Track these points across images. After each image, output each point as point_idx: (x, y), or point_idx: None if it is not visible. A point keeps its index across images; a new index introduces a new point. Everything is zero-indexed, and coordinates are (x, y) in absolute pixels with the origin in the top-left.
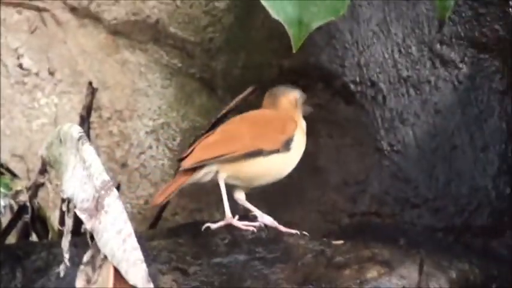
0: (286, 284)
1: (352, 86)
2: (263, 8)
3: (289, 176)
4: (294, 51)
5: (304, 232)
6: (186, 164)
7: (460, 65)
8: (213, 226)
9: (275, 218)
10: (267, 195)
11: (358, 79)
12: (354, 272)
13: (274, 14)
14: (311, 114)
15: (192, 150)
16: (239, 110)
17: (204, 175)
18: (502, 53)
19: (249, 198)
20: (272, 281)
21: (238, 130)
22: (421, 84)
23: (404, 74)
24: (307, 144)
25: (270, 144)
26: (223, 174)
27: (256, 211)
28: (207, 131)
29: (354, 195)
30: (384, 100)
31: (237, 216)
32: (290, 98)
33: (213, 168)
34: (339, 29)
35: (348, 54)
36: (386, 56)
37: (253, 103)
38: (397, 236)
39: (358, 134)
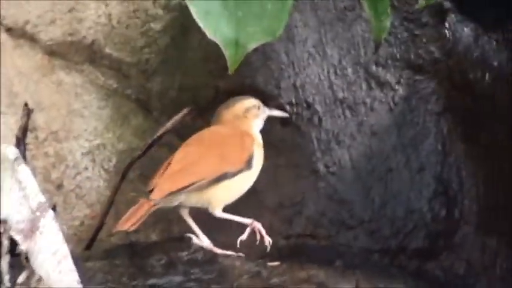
0: None
1: (288, 108)
2: (199, 28)
3: None
4: (230, 72)
5: (239, 254)
6: (155, 196)
7: (396, 87)
8: (196, 241)
9: (211, 239)
10: (203, 216)
11: (293, 100)
12: None
13: (210, 35)
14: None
15: (158, 179)
16: (175, 131)
17: (170, 203)
18: (437, 74)
19: (183, 219)
20: None
21: (198, 155)
22: (357, 105)
23: (340, 95)
24: None
25: (234, 166)
26: (185, 210)
27: (197, 231)
28: (144, 152)
29: (290, 217)
30: (319, 122)
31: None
32: (235, 111)
33: (179, 197)
34: (275, 50)
35: (284, 75)
36: (322, 77)
37: (189, 124)
38: (332, 258)
39: (293, 155)
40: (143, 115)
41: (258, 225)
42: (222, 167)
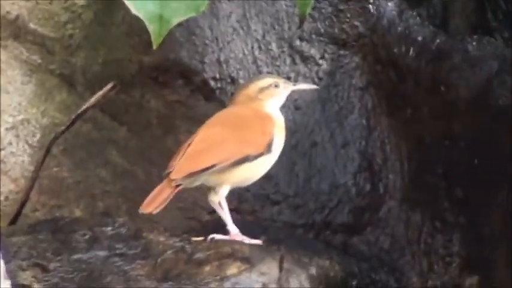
0: (146, 280)
1: (212, 83)
2: (123, 4)
3: (149, 172)
4: (154, 47)
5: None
6: (176, 176)
7: (320, 62)
8: (217, 237)
9: (135, 214)
10: (127, 192)
11: (218, 75)
12: (214, 269)
13: (134, 10)
14: (172, 110)
15: (179, 159)
16: (99, 106)
17: (190, 183)
18: (361, 49)
19: (108, 194)
20: (132, 277)
21: (221, 136)
22: None
23: (264, 70)
24: (167, 140)
25: (255, 149)
26: (223, 190)
27: (227, 218)
28: (67, 127)
29: None
30: None
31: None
32: (249, 92)
33: (201, 178)
34: (199, 25)
35: (208, 50)
36: (246, 52)
37: (113, 99)
38: (257, 233)
39: None
40: (67, 90)
41: (241, 237)
42: (244, 150)
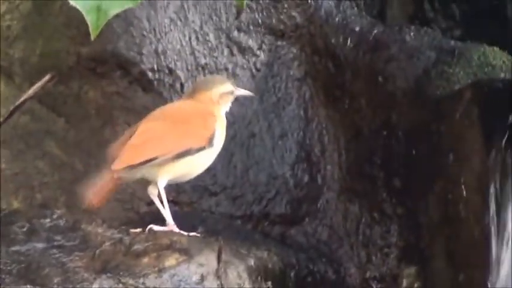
0: (84, 271)
1: (150, 74)
2: None
3: (87, 164)
4: (92, 38)
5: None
6: (116, 167)
7: (258, 52)
8: (156, 228)
9: (73, 206)
10: (65, 183)
11: (155, 67)
12: (152, 260)
13: (71, 1)
14: (110, 102)
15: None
16: (37, 97)
17: (132, 175)
18: (299, 40)
19: (46, 186)
20: (70, 268)
21: (163, 129)
22: (219, 71)
23: (202, 61)
24: (104, 133)
25: (197, 142)
26: (162, 180)
27: (165, 211)
28: (5, 119)
29: None
30: (181, 88)
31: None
32: (211, 95)
33: (142, 170)
34: (137, 17)
35: (146, 41)
36: (184, 43)
37: (51, 91)
38: (195, 224)
39: None
40: (5, 82)
41: (175, 229)
42: (186, 143)
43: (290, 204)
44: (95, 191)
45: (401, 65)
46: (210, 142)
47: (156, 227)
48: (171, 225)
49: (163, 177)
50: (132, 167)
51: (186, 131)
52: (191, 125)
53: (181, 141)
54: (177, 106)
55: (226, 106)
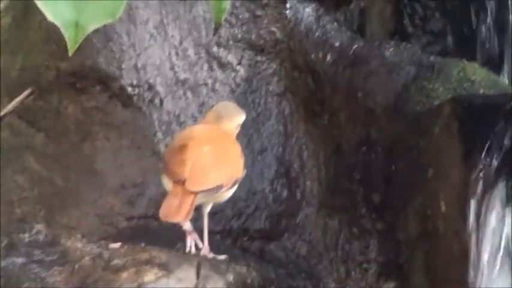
0: (64, 286)
1: (129, 89)
2: (40, 10)
3: (66, 178)
4: (70, 54)
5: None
6: (194, 189)
7: (237, 68)
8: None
9: (53, 221)
10: (44, 198)
11: (135, 82)
12: (131, 275)
13: (50, 17)
14: (90, 117)
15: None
16: (17, 112)
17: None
18: (279, 55)
19: (25, 201)
20: (49, 283)
21: (219, 155)
22: (199, 86)
23: (182, 76)
24: (84, 148)
25: (239, 173)
26: (209, 206)
27: (205, 232)
28: None
29: (132, 198)
30: (161, 103)
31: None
32: (231, 124)
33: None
34: (116, 32)
35: (125, 56)
36: (164, 58)
37: (30, 105)
38: (174, 239)
39: (135, 136)
40: None
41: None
42: (236, 173)
43: (269, 219)
44: (175, 206)
45: (380, 80)
46: (243, 173)
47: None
48: (206, 249)
49: (211, 202)
50: (205, 191)
51: (234, 160)
52: (234, 154)
53: (235, 171)
54: (215, 131)
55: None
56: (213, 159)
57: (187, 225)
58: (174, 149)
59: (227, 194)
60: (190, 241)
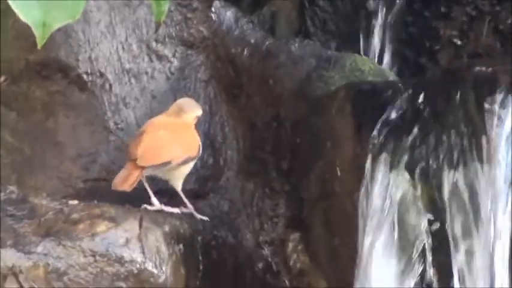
0: (32, 236)
1: (84, 76)
2: (13, 12)
3: (34, 148)
4: (38, 47)
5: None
6: (143, 164)
7: (172, 59)
8: (149, 208)
9: (23, 183)
10: (15, 165)
11: (89, 70)
12: (87, 226)
13: (22, 17)
14: (53, 99)
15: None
16: None
17: (150, 172)
18: (205, 49)
19: (4, 167)
20: (21, 233)
21: (170, 138)
22: (140, 75)
23: (127, 66)
24: (48, 124)
25: (193, 153)
26: (178, 184)
27: (185, 199)
28: None
29: (87, 165)
30: (110, 88)
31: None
32: (188, 117)
33: (156, 171)
34: (74, 30)
35: (81, 50)
36: (112, 52)
37: (4, 89)
38: (122, 198)
39: (89, 115)
40: None
41: (192, 211)
42: (187, 152)
43: (198, 181)
44: (123, 177)
45: (287, 70)
46: (199, 153)
47: (149, 207)
48: (191, 208)
49: (176, 179)
50: (153, 166)
51: (186, 142)
52: (188, 138)
53: (185, 150)
54: (172, 121)
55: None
56: (164, 141)
57: (155, 203)
58: (135, 135)
59: (183, 169)
60: (173, 209)
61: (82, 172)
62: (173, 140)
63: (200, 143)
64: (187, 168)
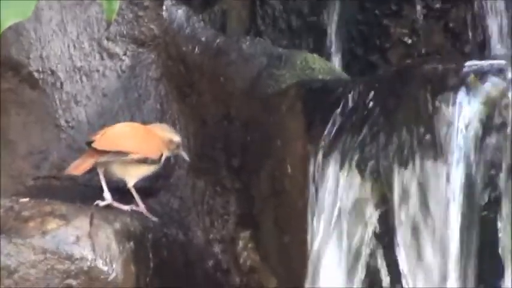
0: None
1: (36, 74)
2: None
3: None
4: None
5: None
6: (97, 146)
7: (123, 57)
8: (101, 204)
9: None
10: None
11: (40, 68)
12: (37, 224)
13: None
14: (4, 96)
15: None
16: None
17: (105, 161)
18: (156, 47)
19: None
20: None
21: (131, 133)
22: (92, 73)
23: (78, 64)
24: (0, 120)
25: (154, 155)
26: (131, 180)
27: (137, 198)
28: None
29: (38, 163)
30: (61, 86)
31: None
32: (164, 138)
33: (112, 162)
34: (25, 28)
35: (33, 48)
36: (64, 50)
37: None
38: (73, 195)
39: (40, 113)
40: None
41: (142, 210)
42: (148, 152)
43: (149, 179)
44: (77, 163)
45: (238, 68)
46: (160, 161)
47: (101, 203)
48: (142, 207)
49: (129, 175)
50: (108, 152)
51: (149, 143)
52: (151, 141)
53: (145, 149)
54: (143, 126)
55: (167, 152)
56: (127, 133)
57: (107, 197)
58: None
59: (140, 168)
60: (124, 207)
61: (33, 170)
62: (136, 136)
63: (165, 154)
64: (145, 169)
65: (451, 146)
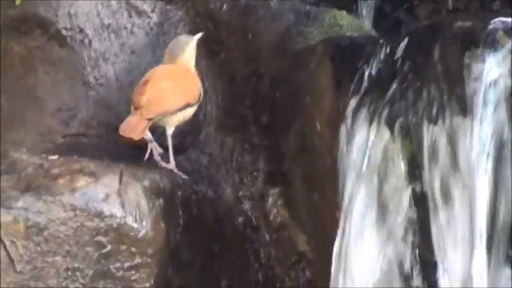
0: (12, 190)
1: (64, 32)
2: None
3: (14, 104)
4: (17, 3)
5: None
6: (148, 115)
7: (151, 15)
8: (162, 164)
9: (3, 138)
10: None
11: (68, 26)
12: (66, 181)
13: None
14: (32, 54)
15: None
16: None
17: (155, 120)
18: (184, 5)
19: None
20: (0, 188)
21: (170, 88)
22: (120, 30)
23: (106, 22)
24: (28, 78)
25: (193, 99)
26: (171, 129)
27: (171, 151)
28: None
29: (66, 120)
30: (90, 43)
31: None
32: (186, 58)
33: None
34: None
35: (60, 5)
36: (92, 7)
37: None
38: (101, 153)
39: (69, 70)
40: None
41: (174, 169)
42: (187, 100)
43: (178, 136)
44: (131, 126)
45: (267, 24)
46: (199, 99)
47: (162, 163)
48: (173, 164)
49: (171, 124)
50: (157, 115)
51: (185, 90)
52: (187, 85)
53: (189, 97)
54: (171, 69)
55: (194, 55)
56: (166, 91)
57: (148, 136)
58: (138, 85)
59: (179, 116)
60: (151, 148)
61: (62, 127)
62: (178, 89)
63: (201, 90)
64: (185, 114)
65: (480, 101)
